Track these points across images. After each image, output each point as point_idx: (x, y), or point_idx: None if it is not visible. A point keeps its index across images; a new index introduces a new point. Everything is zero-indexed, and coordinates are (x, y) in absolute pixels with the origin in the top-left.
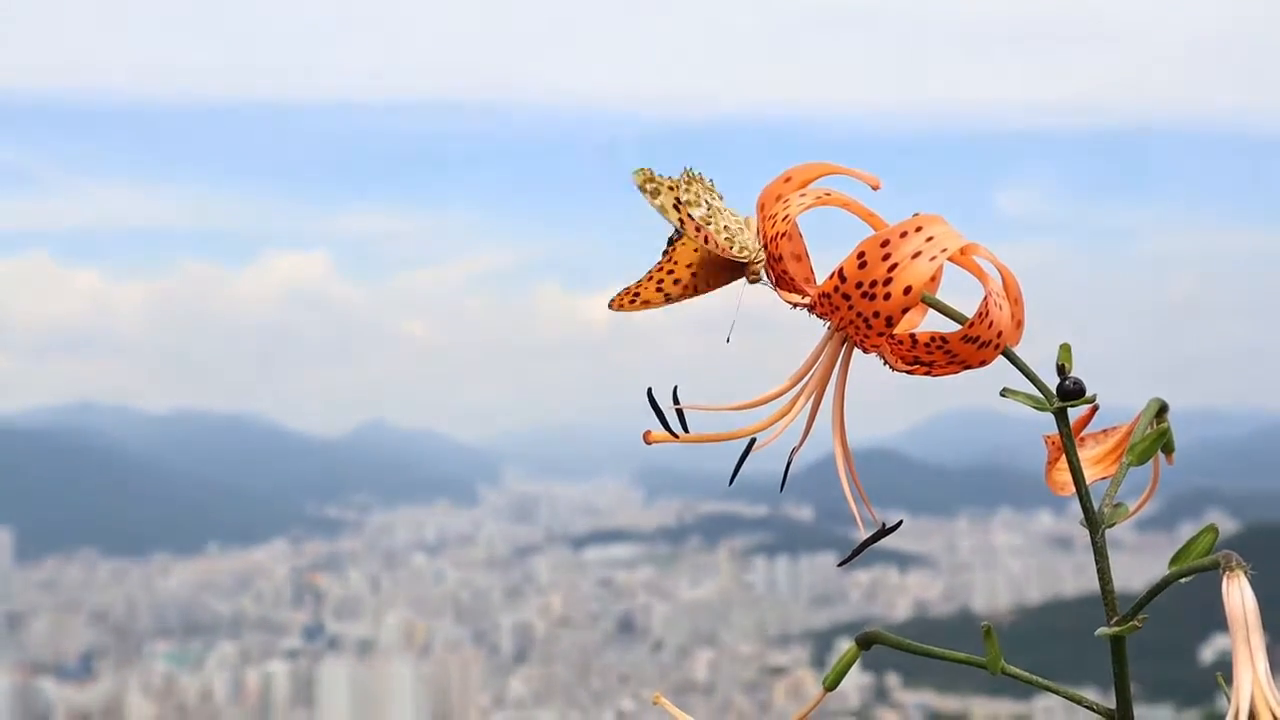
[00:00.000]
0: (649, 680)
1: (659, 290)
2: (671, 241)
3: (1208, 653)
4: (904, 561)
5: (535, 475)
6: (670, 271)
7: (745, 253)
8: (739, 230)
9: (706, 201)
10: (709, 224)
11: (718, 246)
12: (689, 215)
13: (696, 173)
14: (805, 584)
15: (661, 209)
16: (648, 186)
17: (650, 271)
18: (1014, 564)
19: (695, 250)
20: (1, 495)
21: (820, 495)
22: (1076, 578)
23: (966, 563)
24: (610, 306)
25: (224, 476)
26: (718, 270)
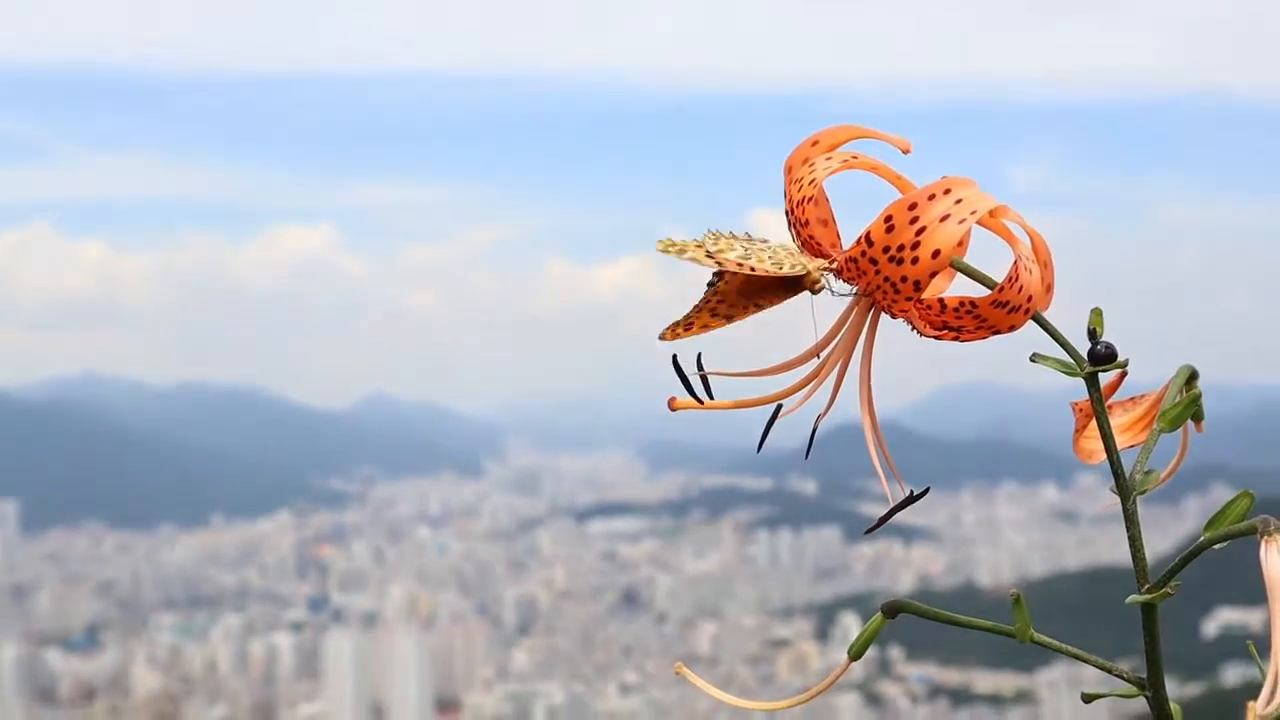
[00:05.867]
0: (652, 653)
1: (714, 315)
2: (713, 284)
3: (1211, 626)
4: (908, 535)
5: (539, 448)
6: (721, 300)
7: (799, 267)
8: (786, 255)
9: (740, 246)
10: (748, 259)
11: (766, 273)
12: (726, 258)
13: (721, 231)
14: (808, 557)
15: (695, 261)
16: (672, 250)
17: (698, 304)
18: (1017, 537)
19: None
20: (7, 467)
21: (824, 469)
22: (1079, 551)
23: (970, 536)
24: (663, 338)
25: (229, 449)
26: (772, 291)
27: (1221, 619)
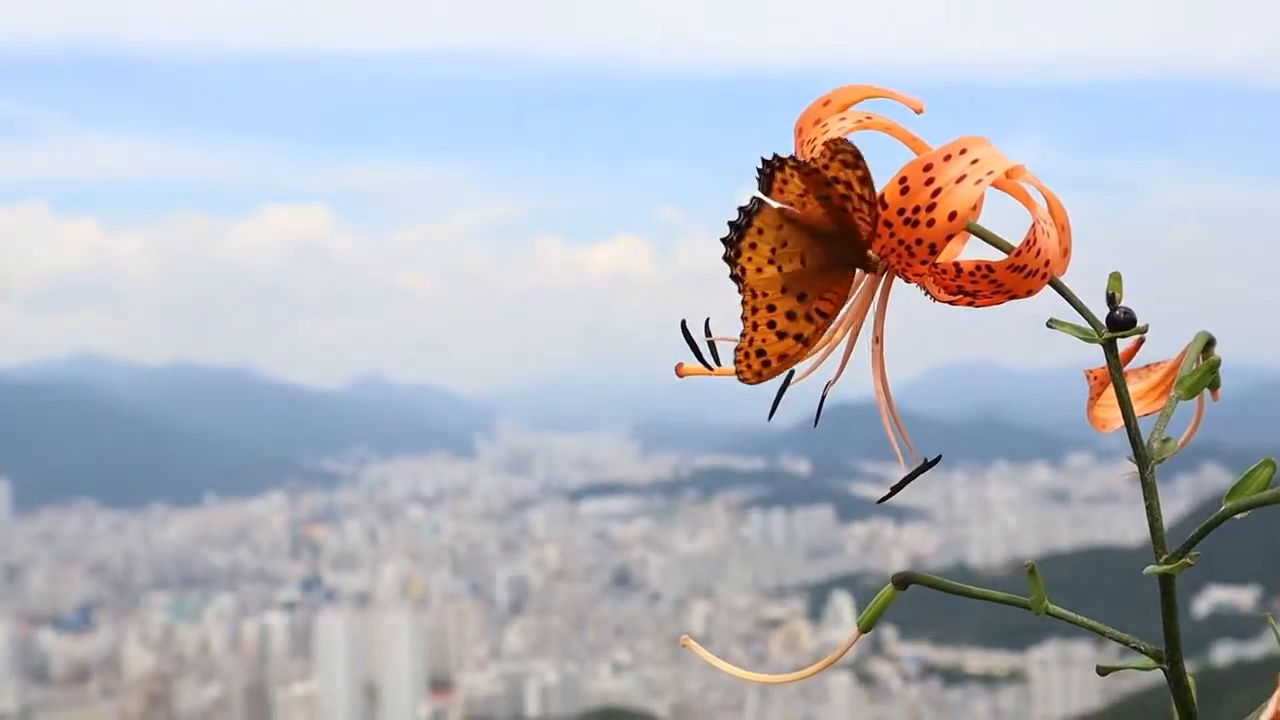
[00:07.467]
0: (645, 632)
1: (773, 330)
2: (733, 261)
3: (1202, 605)
4: (899, 515)
5: (532, 428)
6: (771, 307)
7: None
8: None
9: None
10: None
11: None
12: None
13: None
14: (801, 537)
15: (863, 179)
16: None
17: (744, 318)
18: (1010, 517)
19: (773, 263)
20: None
21: (817, 449)
22: (1072, 531)
23: (962, 516)
24: (747, 381)
25: (221, 429)
26: (822, 275)
27: (1212, 598)
